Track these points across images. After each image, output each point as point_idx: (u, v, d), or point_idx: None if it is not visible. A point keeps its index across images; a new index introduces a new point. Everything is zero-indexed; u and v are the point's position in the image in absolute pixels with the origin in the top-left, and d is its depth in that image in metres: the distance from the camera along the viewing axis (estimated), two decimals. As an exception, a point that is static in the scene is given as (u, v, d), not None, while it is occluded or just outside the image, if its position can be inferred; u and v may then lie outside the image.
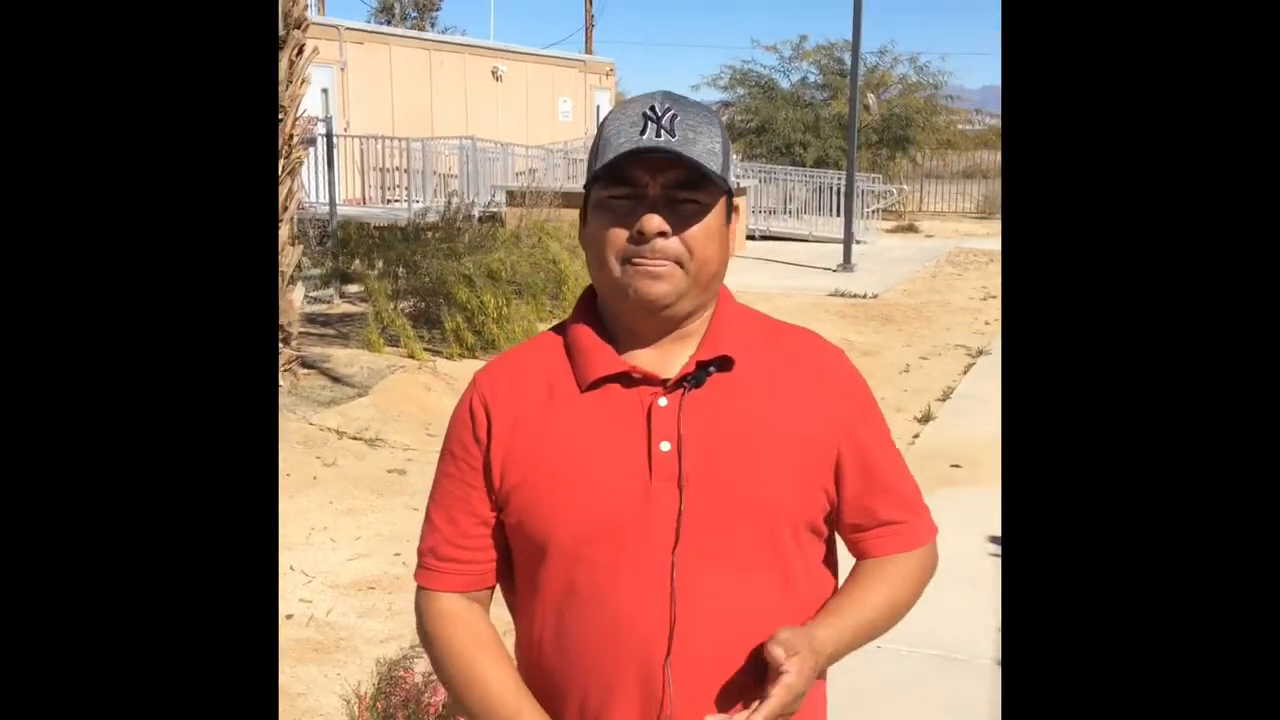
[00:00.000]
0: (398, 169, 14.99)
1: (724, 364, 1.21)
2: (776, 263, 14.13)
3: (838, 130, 21.32)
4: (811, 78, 24.27)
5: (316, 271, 9.61)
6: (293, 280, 6.69)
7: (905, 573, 1.28)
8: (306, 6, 6.88)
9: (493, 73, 20.15)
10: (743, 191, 16.29)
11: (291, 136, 6.65)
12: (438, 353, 7.96)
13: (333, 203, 11.99)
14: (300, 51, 6.62)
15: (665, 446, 1.17)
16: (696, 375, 1.19)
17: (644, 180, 1.15)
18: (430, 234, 9.23)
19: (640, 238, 1.14)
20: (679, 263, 1.15)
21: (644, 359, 1.21)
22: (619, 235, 1.16)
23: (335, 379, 7.12)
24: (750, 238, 16.31)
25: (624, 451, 1.18)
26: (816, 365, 1.26)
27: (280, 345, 6.45)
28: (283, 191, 6.59)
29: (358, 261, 8.89)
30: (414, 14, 33.95)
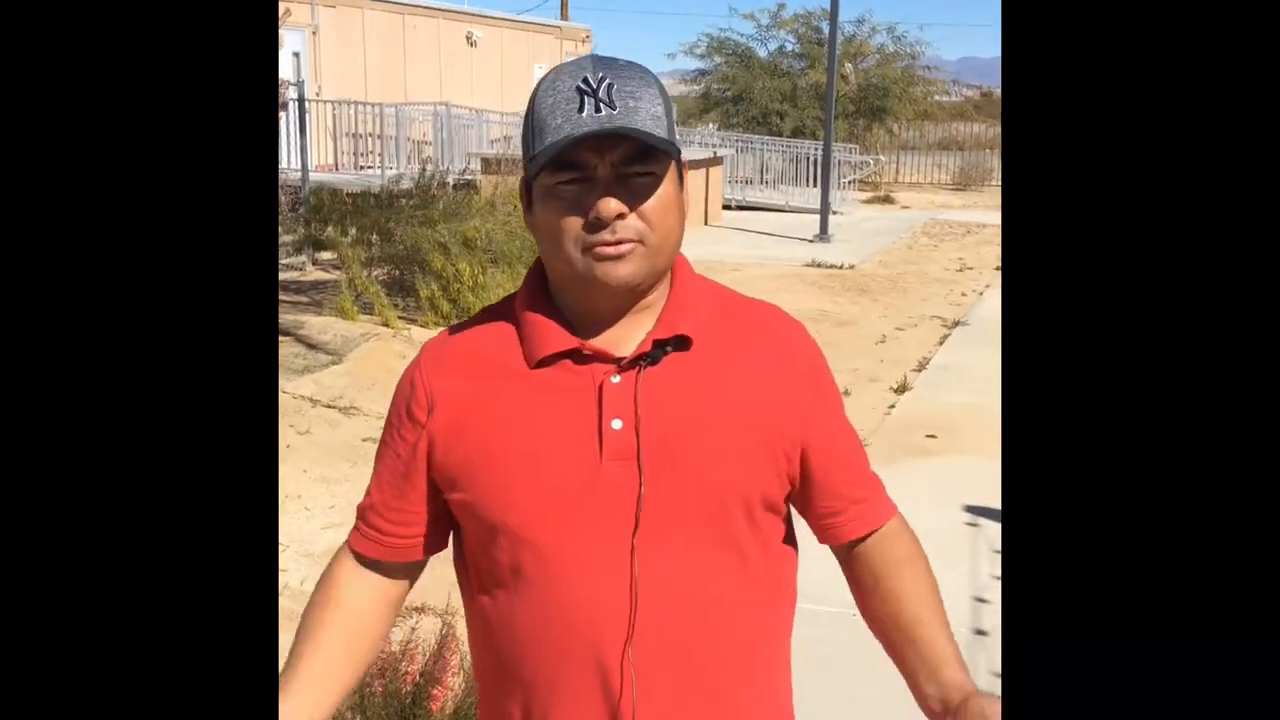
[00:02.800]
0: (371, 135, 14.80)
1: (681, 343, 1.15)
2: (752, 233, 14.10)
3: (815, 100, 21.28)
4: (789, 47, 24.20)
5: (289, 238, 9.49)
6: (265, 246, 6.60)
7: (914, 562, 1.24)
8: (278, -33, 6.77)
9: (467, 38, 19.93)
10: (719, 160, 16.23)
11: (263, 100, 6.55)
12: (412, 321, 7.90)
13: (305, 169, 11.83)
14: (271, 13, 6.51)
15: (617, 424, 1.12)
16: (653, 354, 1.14)
17: (592, 162, 1.08)
18: (404, 201, 9.13)
19: (598, 223, 1.08)
20: (641, 240, 1.09)
21: (597, 335, 1.15)
22: (574, 223, 1.09)
23: (309, 346, 7.05)
24: (726, 207, 16.28)
25: (573, 429, 1.13)
26: (776, 341, 1.21)
27: (252, 312, 6.37)
28: (254, 156, 6.49)
29: (331, 228, 8.77)
30: (387, -22, 33.47)
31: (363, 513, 1.26)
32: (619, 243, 1.08)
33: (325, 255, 9.52)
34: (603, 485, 1.12)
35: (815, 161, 16.80)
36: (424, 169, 9.90)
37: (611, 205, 1.07)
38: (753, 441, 1.14)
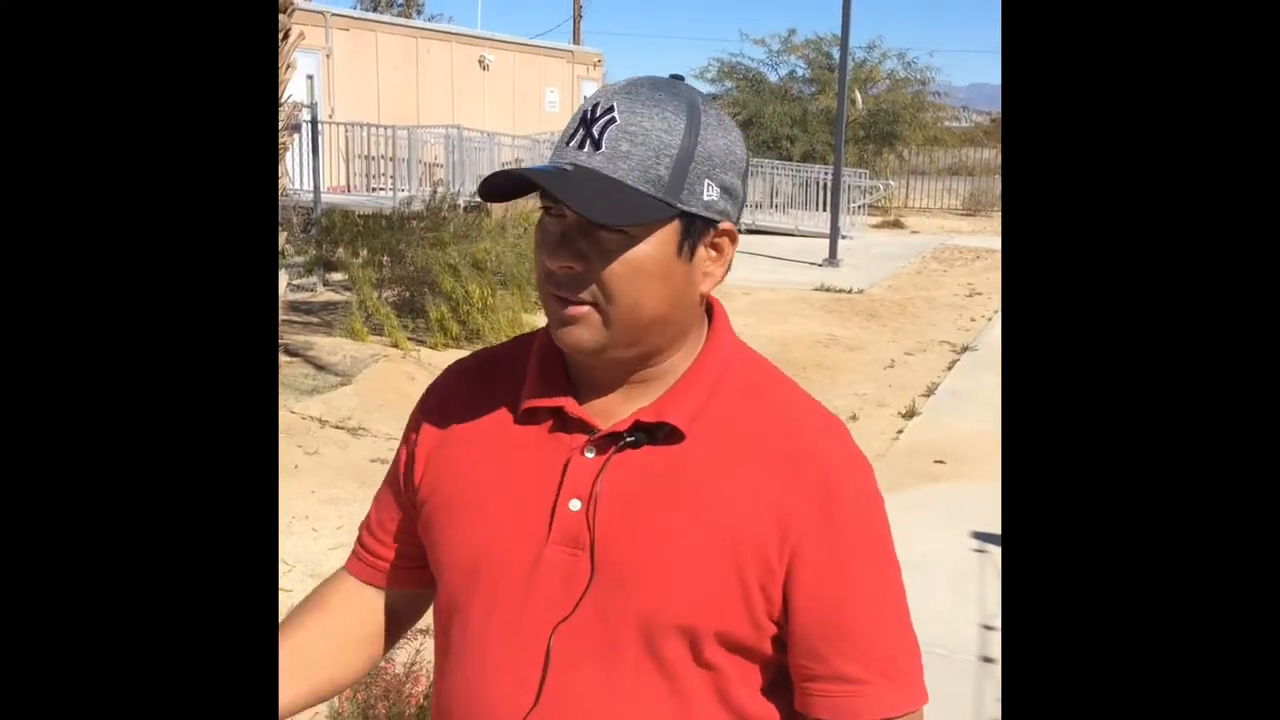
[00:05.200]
0: (383, 157, 14.88)
1: (669, 433, 0.99)
2: (762, 256, 14.12)
3: (825, 125, 21.33)
4: (800, 72, 24.28)
5: (300, 259, 9.53)
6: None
7: None
8: (293, -9, 6.83)
9: (479, 61, 20.05)
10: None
11: (275, 122, 6.60)
12: (422, 342, 7.92)
13: (317, 190, 11.90)
14: (285, 36, 6.57)
15: (574, 505, 0.98)
16: (631, 437, 0.99)
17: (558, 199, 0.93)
18: (415, 223, 9.17)
19: (550, 275, 0.96)
20: (595, 305, 0.94)
21: (592, 398, 1.02)
22: (541, 260, 0.97)
23: (318, 367, 7.07)
24: (736, 231, 16.28)
25: (530, 498, 1.01)
26: (794, 457, 0.99)
27: (262, 332, 6.40)
28: (267, 177, 6.54)
29: (341, 249, 8.82)
30: (400, 1, 33.79)
31: (360, 529, 1.22)
32: (568, 302, 0.95)
33: (336, 276, 9.56)
34: (543, 570, 0.99)
35: (825, 186, 16.83)
36: (435, 191, 9.95)
37: (558, 257, 0.94)
38: (722, 568, 0.96)
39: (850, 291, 11.71)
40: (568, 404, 1.01)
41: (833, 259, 13.64)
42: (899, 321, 10.36)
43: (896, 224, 19.52)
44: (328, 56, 16.51)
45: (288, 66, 6.63)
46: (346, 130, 14.72)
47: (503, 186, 0.95)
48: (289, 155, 9.66)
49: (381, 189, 14.41)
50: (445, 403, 1.11)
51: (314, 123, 12.07)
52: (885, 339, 9.48)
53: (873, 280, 12.53)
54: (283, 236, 6.89)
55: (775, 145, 21.96)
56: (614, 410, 1.01)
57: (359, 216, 9.39)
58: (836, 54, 17.52)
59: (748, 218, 17.21)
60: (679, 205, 0.94)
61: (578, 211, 0.89)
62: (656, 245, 0.94)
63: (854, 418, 6.68)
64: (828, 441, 1.02)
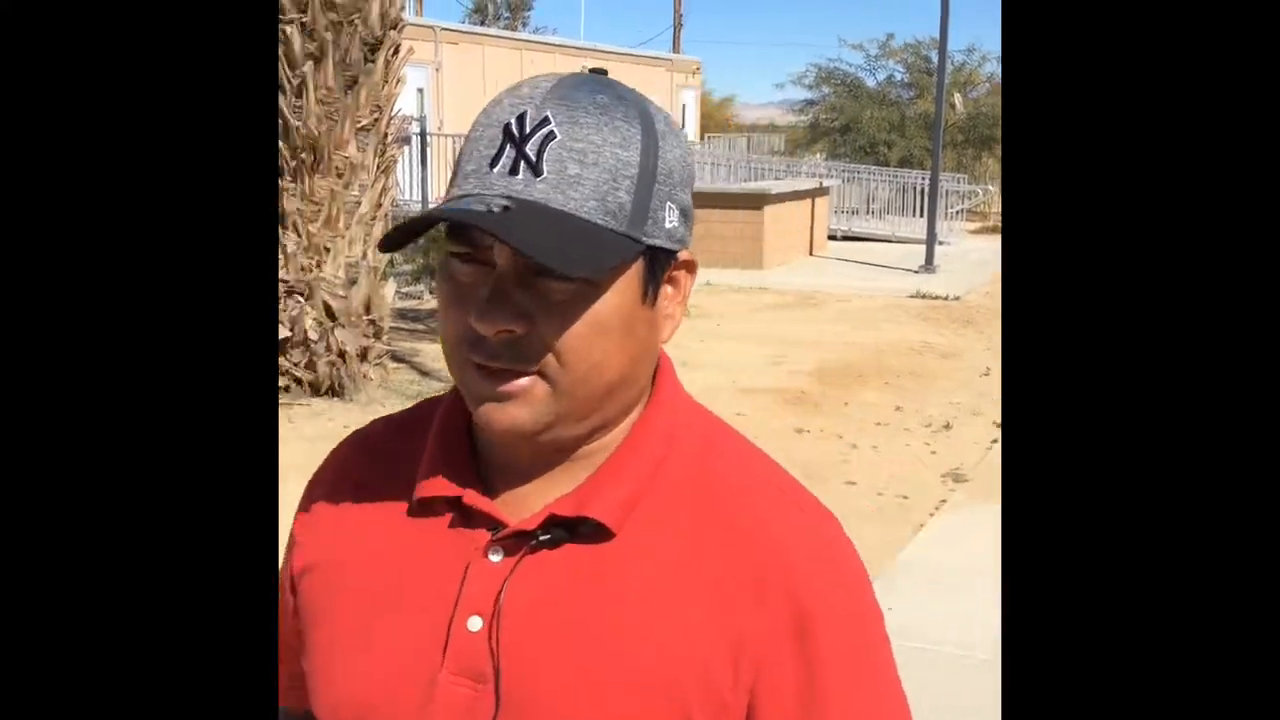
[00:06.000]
0: (486, 167, 15.24)
1: (587, 529, 0.77)
2: (857, 263, 14.10)
3: (923, 129, 21.12)
4: (898, 76, 24.12)
5: (408, 268, 9.94)
6: (385, 276, 6.97)
7: None
8: (403, 8, 7.14)
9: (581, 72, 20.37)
10: (825, 191, 16.23)
11: (386, 135, 6.93)
12: (522, 348, 8.17)
13: (425, 200, 12.33)
14: (396, 52, 6.89)
15: (474, 625, 0.76)
16: (545, 535, 0.77)
17: (485, 242, 0.72)
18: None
19: (478, 339, 0.73)
20: (542, 374, 0.73)
21: (503, 483, 0.80)
22: (458, 322, 0.74)
23: (423, 373, 7.40)
24: (832, 238, 16.28)
25: (420, 614, 0.79)
26: (757, 557, 0.76)
27: (372, 339, 6.74)
28: (377, 189, 6.87)
29: (447, 258, 9.13)
30: (507, 15, 34.47)
31: None
32: (504, 373, 0.73)
33: (441, 284, 9.91)
34: (436, 711, 0.77)
35: (922, 191, 16.68)
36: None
37: (493, 319, 0.71)
38: (660, 708, 0.74)
39: (946, 298, 11.63)
40: (468, 494, 0.79)
41: (929, 265, 13.55)
42: (995, 328, 10.27)
43: (995, 229, 19.23)
44: (437, 70, 17.03)
45: (397, 81, 6.94)
46: (453, 141, 15.16)
47: (413, 234, 0.75)
48: (399, 167, 10.07)
49: (484, 198, 14.76)
50: (332, 491, 0.88)
51: (423, 135, 12.49)
52: (981, 346, 9.43)
53: (969, 287, 12.42)
54: (392, 247, 7.22)
55: (872, 151, 21.83)
56: (528, 498, 0.79)
57: (463, 226, 9.72)
58: (935, 58, 17.36)
59: (844, 224, 17.17)
60: (644, 239, 0.74)
61: (536, 260, 0.68)
62: (621, 293, 0.74)
63: (948, 426, 6.71)
64: (800, 536, 0.78)
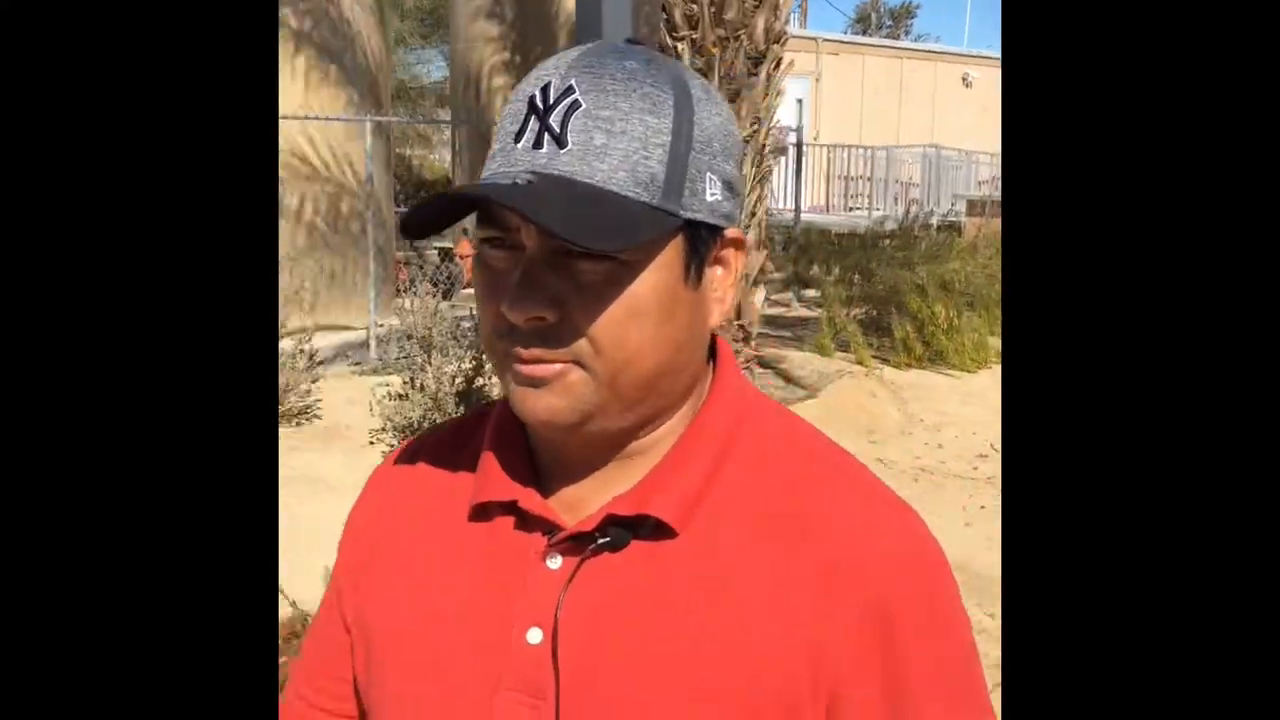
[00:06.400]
0: (861, 177, 15.25)
1: (648, 529, 0.72)
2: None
3: None
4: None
5: (778, 275, 10.13)
6: (755, 283, 7.14)
7: None
8: (787, 21, 7.31)
9: (962, 79, 19.76)
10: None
11: (764, 146, 7.10)
12: (885, 360, 8.09)
13: (797, 209, 12.51)
14: (778, 65, 7.04)
15: (534, 637, 0.72)
16: (606, 538, 0.72)
17: (513, 223, 0.69)
18: (887, 242, 9.37)
19: (508, 327, 0.69)
20: (577, 361, 0.69)
21: (559, 484, 0.76)
22: (492, 310, 0.70)
23: (788, 380, 7.51)
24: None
25: (478, 627, 0.74)
26: (832, 554, 0.70)
27: (740, 344, 6.93)
28: (753, 198, 7.05)
29: (816, 267, 9.24)
30: (889, 23, 34.12)
31: (285, 690, 0.90)
32: (538, 361, 0.69)
33: (809, 293, 10.02)
34: None
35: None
36: (908, 210, 10.08)
37: (523, 306, 0.67)
38: (736, 715, 0.69)
39: None
40: (525, 497, 0.75)
41: None
42: None
43: None
44: (816, 81, 17.22)
45: (777, 93, 7.09)
46: (828, 151, 15.27)
47: (435, 216, 0.70)
48: (774, 176, 10.29)
49: (858, 208, 14.79)
50: (371, 512, 0.85)
51: (799, 145, 12.69)
52: None
53: None
54: (764, 254, 7.40)
55: None
56: (585, 499, 0.75)
57: (834, 235, 9.78)
58: None
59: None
60: (682, 212, 0.69)
61: (558, 235, 0.63)
62: (658, 271, 0.69)
63: None
64: (882, 532, 0.72)
